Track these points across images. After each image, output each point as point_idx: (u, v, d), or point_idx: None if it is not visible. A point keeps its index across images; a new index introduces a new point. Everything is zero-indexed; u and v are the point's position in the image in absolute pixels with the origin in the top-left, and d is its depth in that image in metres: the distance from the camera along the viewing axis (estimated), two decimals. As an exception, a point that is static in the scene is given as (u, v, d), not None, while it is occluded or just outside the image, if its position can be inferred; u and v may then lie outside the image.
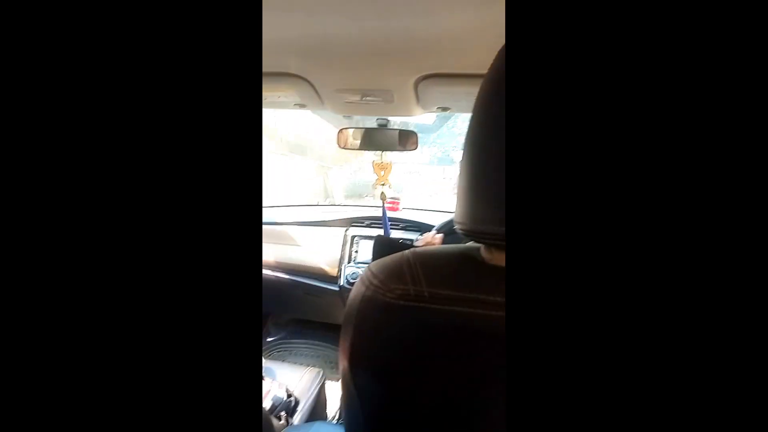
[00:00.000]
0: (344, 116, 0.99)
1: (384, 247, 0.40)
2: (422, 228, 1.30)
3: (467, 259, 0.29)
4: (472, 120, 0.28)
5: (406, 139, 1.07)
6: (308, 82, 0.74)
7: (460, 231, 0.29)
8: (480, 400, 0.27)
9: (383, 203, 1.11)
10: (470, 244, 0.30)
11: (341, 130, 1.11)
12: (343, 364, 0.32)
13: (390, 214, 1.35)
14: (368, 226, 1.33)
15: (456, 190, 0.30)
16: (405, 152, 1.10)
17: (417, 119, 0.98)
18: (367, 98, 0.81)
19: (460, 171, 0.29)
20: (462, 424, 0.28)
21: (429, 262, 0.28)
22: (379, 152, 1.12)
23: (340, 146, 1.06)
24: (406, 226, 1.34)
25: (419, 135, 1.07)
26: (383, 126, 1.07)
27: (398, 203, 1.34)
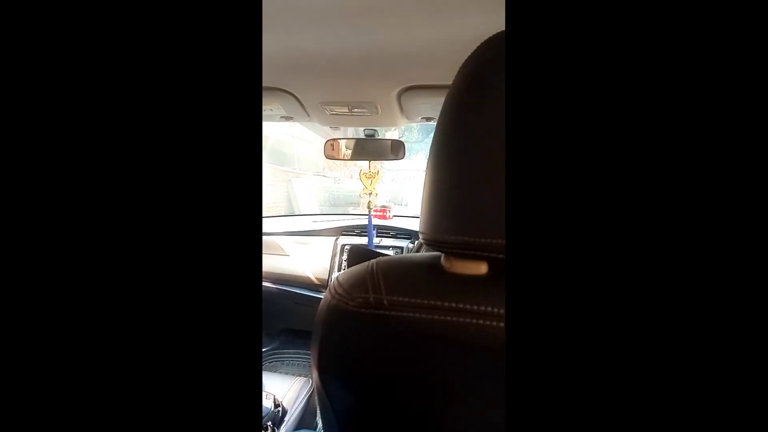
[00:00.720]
0: (331, 127, 1.01)
1: (358, 256, 0.41)
2: (413, 236, 1.31)
3: (428, 267, 0.30)
4: (435, 133, 0.30)
5: (397, 149, 1.10)
6: (293, 95, 0.76)
7: (423, 240, 0.30)
8: (442, 404, 0.28)
9: (369, 212, 1.13)
10: (433, 253, 0.31)
11: (330, 140, 1.12)
12: (314, 373, 0.33)
13: (380, 222, 1.37)
14: (358, 234, 1.34)
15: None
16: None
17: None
18: (354, 110, 0.83)
19: (424, 182, 0.30)
20: (429, 429, 0.29)
21: (390, 270, 0.29)
22: (365, 161, 1.14)
23: (327, 156, 1.08)
24: (397, 233, 1.35)
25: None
26: (371, 136, 1.09)
27: (387, 211, 1.36)
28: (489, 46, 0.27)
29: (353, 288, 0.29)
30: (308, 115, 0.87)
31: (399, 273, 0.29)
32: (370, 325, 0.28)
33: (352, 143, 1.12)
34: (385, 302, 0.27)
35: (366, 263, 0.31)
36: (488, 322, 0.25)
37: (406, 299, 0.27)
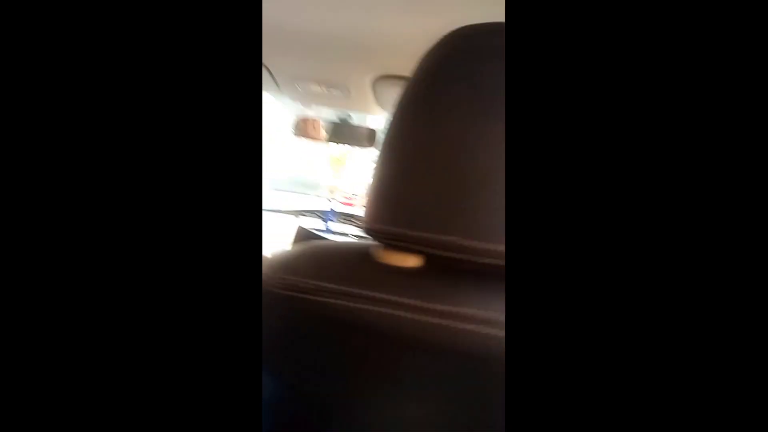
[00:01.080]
0: (303, 105, 0.98)
1: (301, 239, 0.40)
2: None
3: (358, 255, 0.29)
4: (388, 122, 0.29)
5: (370, 137, 1.08)
6: (264, 65, 0.73)
7: (362, 230, 0.29)
8: (352, 394, 0.27)
9: (331, 198, 1.11)
10: (368, 242, 0.31)
11: (303, 118, 1.09)
12: None
13: (346, 210, 1.36)
14: (318, 217, 1.32)
15: None
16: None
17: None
18: (326, 89, 0.81)
19: (372, 171, 0.30)
20: (342, 419, 0.28)
21: (320, 255, 0.29)
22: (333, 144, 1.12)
23: (296, 134, 1.04)
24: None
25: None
26: (345, 121, 1.07)
27: (354, 199, 1.35)
28: (450, 38, 0.27)
29: (280, 269, 0.28)
30: (279, 88, 0.84)
31: (325, 257, 0.28)
32: (288, 307, 0.27)
33: (330, 125, 1.09)
34: (309, 286, 0.26)
35: (301, 246, 0.30)
36: (409, 315, 0.24)
37: (330, 285, 0.26)
